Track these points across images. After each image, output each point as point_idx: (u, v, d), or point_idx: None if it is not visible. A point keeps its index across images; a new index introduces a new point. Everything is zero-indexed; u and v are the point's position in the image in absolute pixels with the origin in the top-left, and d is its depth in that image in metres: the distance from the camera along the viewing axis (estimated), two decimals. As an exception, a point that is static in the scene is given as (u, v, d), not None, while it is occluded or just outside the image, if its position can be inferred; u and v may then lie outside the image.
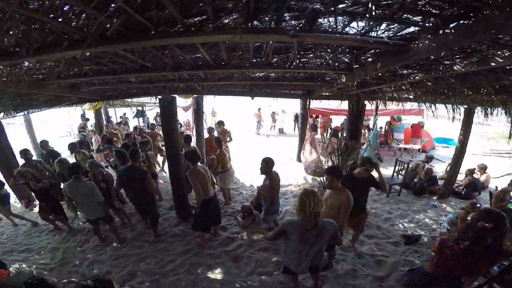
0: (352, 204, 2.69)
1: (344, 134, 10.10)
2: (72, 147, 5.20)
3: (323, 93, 4.35)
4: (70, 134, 12.22)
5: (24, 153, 4.64)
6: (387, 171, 6.69)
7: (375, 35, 1.64)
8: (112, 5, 1.24)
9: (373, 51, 2.10)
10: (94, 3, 1.14)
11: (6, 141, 5.18)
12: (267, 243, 3.82)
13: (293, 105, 12.18)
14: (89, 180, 3.74)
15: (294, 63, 2.40)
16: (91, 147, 6.84)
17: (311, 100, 7.39)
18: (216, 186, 4.51)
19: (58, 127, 13.77)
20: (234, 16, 1.40)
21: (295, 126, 13.29)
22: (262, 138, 12.87)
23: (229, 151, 5.42)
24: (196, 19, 1.48)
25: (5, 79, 2.35)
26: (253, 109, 14.13)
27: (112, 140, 5.96)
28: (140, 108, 11.24)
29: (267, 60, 2.48)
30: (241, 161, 7.86)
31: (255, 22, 1.41)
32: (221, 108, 15.86)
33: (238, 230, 4.27)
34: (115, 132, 7.65)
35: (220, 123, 6.67)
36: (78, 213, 4.26)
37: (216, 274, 3.32)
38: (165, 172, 7.08)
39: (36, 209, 4.65)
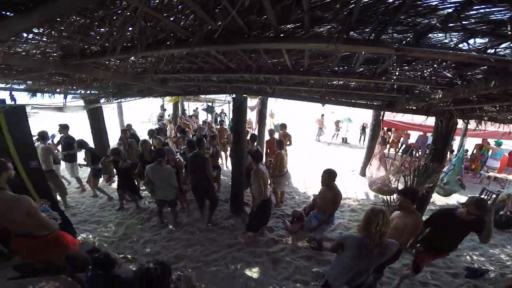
0: (419, 230, 2.55)
1: (419, 153, 8.97)
2: (151, 132, 5.88)
3: (408, 107, 3.92)
4: (149, 121, 14.08)
5: (124, 132, 5.42)
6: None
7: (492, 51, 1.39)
8: (219, 7, 1.30)
9: (485, 67, 1.77)
10: (203, 3, 1.21)
11: (103, 122, 6.19)
12: (311, 252, 3.76)
13: (361, 114, 11.30)
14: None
15: (385, 75, 2.24)
16: (167, 135, 7.73)
17: (385, 112, 6.87)
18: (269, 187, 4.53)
19: (140, 113, 15.99)
20: (329, 26, 1.39)
21: (361, 137, 12.35)
22: (323, 146, 12.34)
23: (287, 155, 5.40)
24: (289, 26, 1.49)
25: (113, 71, 2.84)
26: (314, 114, 13.69)
27: (185, 131, 6.60)
28: (210, 104, 12.17)
29: (351, 69, 2.37)
30: (297, 166, 7.75)
31: (351, 33, 1.37)
32: (279, 110, 15.71)
33: (284, 234, 4.25)
34: (187, 123, 8.48)
35: (283, 126, 6.64)
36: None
37: (253, 273, 3.37)
38: (227, 167, 7.49)
39: (115, 185, 5.19)
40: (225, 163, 7.67)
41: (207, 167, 3.97)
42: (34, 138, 3.92)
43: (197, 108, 12.64)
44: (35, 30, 1.48)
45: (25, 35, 1.51)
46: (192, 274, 1.78)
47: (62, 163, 5.54)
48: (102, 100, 5.59)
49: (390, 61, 1.89)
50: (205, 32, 1.49)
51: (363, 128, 12.00)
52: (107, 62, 2.60)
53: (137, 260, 3.30)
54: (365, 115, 11.83)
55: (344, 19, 1.25)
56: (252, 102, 9.93)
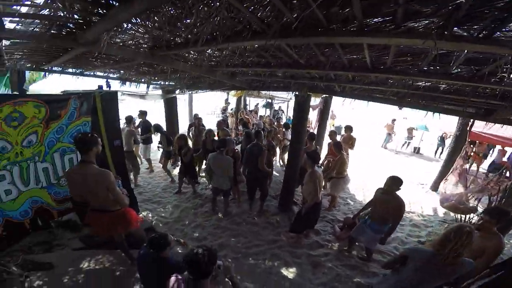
0: (499, 255, 2.30)
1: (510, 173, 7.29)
2: (219, 123, 6.21)
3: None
4: (213, 113, 14.98)
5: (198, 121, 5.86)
6: None
7: None
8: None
9: None
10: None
11: (176, 111, 6.81)
12: (357, 262, 3.54)
13: (440, 123, 9.76)
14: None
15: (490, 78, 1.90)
16: (228, 127, 8.10)
17: (474, 122, 5.82)
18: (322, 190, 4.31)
19: (206, 106, 17.13)
20: (427, 21, 1.26)
21: (438, 148, 10.71)
22: (389, 153, 11.12)
23: (349, 159, 5.07)
24: (376, 19, 1.37)
25: (191, 63, 3.02)
26: (383, 118, 12.39)
27: (247, 124, 6.79)
28: (269, 101, 12.29)
29: (445, 69, 2.01)
30: (358, 172, 7.18)
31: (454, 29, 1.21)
32: (341, 111, 14.69)
33: (331, 239, 4.07)
34: (247, 117, 8.72)
35: (348, 129, 6.21)
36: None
37: (289, 272, 3.27)
38: (279, 164, 7.43)
39: (177, 170, 5.60)
40: (278, 159, 7.62)
41: (261, 156, 4.04)
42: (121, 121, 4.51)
43: (257, 104, 12.91)
44: (133, 21, 1.63)
45: (125, 25, 1.69)
46: (232, 265, 1.81)
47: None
48: (177, 91, 6.15)
49: (502, 62, 1.62)
50: (280, 25, 1.46)
51: (442, 139, 10.36)
52: (186, 55, 2.79)
53: (187, 245, 3.46)
54: (445, 124, 10.23)
55: (449, 14, 1.13)
56: (314, 101, 9.60)
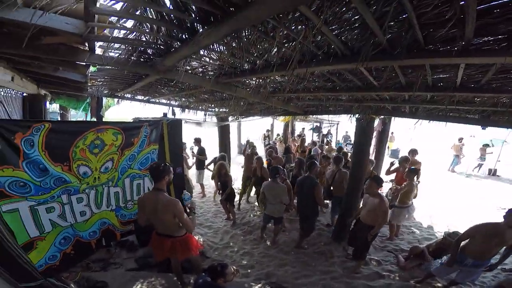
0: None
1: None
2: (270, 151, 6.16)
3: None
4: (259, 139, 15.07)
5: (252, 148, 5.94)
6: None
7: None
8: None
9: None
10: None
11: (229, 138, 6.96)
12: None
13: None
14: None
15: None
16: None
17: None
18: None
19: (252, 131, 17.49)
20: None
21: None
22: (459, 177, 9.62)
23: (417, 187, 4.47)
24: (486, 39, 1.25)
25: (249, 90, 3.02)
26: (446, 137, 10.88)
27: (290, 150, 6.56)
28: (318, 124, 11.92)
29: None
30: (423, 198, 6.26)
31: None
32: (398, 132, 13.43)
33: (393, 269, 3.72)
34: (294, 143, 8.49)
35: (414, 152, 5.54)
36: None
37: None
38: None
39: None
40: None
41: (317, 192, 3.73)
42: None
43: (303, 129, 12.63)
44: (210, 47, 1.64)
45: (201, 52, 1.72)
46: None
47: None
48: (230, 118, 6.35)
49: None
50: (371, 47, 1.35)
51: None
52: (248, 81, 2.80)
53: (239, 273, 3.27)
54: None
55: None
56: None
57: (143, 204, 2.38)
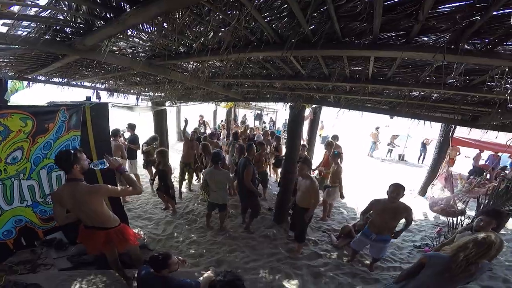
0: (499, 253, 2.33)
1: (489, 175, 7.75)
2: (210, 136, 6.14)
3: (493, 123, 3.39)
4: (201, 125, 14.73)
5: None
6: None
7: None
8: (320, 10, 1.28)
9: None
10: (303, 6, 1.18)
11: (166, 124, 6.63)
12: (357, 269, 3.60)
13: (423, 130, 10.21)
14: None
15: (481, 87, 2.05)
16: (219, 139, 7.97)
17: (455, 128, 6.22)
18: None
19: (194, 118, 16.89)
20: (437, 36, 1.33)
21: (421, 154, 11.16)
22: (375, 161, 11.46)
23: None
24: (389, 34, 1.42)
25: (187, 74, 2.94)
26: (367, 127, 12.76)
27: (238, 136, 6.69)
28: (259, 112, 12.34)
29: (440, 80, 2.13)
30: (347, 180, 7.25)
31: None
32: (328, 121, 15.09)
33: (328, 249, 4.10)
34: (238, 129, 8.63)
35: (335, 138, 6.38)
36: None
37: (292, 285, 3.24)
38: (270, 176, 7.30)
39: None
40: (269, 172, 7.52)
41: (246, 171, 3.97)
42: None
43: (245, 115, 12.91)
44: (140, 27, 1.54)
45: (129, 32, 1.60)
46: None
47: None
48: (167, 103, 5.99)
49: (495, 72, 1.72)
50: (297, 36, 1.45)
51: (424, 145, 10.85)
52: (185, 65, 2.71)
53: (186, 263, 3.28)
54: (427, 131, 10.67)
55: (462, 30, 1.19)
56: (306, 112, 9.73)
57: (60, 199, 2.11)
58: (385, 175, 8.98)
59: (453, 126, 6.16)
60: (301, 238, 3.82)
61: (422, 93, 2.89)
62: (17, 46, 1.77)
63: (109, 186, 2.19)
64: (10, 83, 3.89)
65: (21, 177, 2.51)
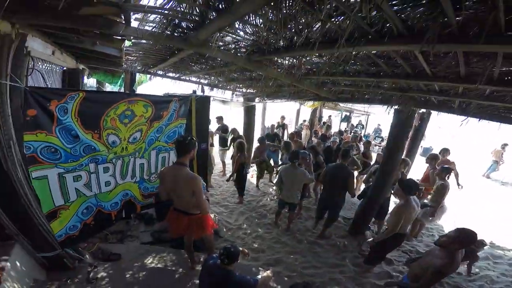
0: None
1: None
2: (292, 135, 6.01)
3: None
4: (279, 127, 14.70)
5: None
6: None
7: None
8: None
9: None
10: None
11: (254, 119, 6.84)
12: None
13: None
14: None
15: None
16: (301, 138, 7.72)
17: None
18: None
19: (274, 115, 17.15)
20: None
21: None
22: (493, 184, 8.96)
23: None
24: None
25: (282, 71, 2.84)
26: (487, 142, 9.88)
27: (326, 138, 6.30)
28: (347, 114, 11.36)
29: None
30: (450, 201, 5.87)
31: None
32: (431, 130, 12.47)
33: (403, 271, 3.49)
34: (320, 130, 8.17)
35: (445, 151, 5.26)
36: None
37: None
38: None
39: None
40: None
41: (350, 182, 3.65)
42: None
43: (330, 116, 12.11)
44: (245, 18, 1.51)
45: (236, 25, 1.59)
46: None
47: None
48: (256, 99, 6.20)
49: None
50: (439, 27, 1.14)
51: None
52: (281, 61, 2.62)
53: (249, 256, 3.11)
54: None
55: None
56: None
57: (164, 177, 2.35)
58: (503, 201, 7.09)
59: None
60: (374, 260, 3.41)
61: None
62: (145, 41, 2.04)
63: (201, 187, 2.29)
64: (137, 76, 4.76)
65: (136, 155, 2.94)
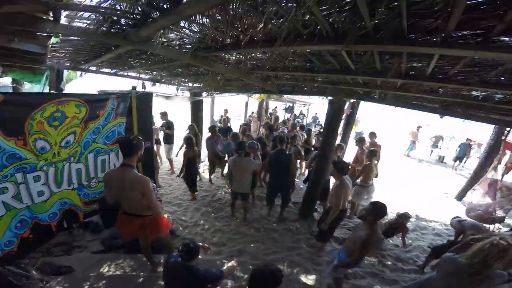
0: None
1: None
2: (244, 129, 6.13)
3: None
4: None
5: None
6: None
7: None
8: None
9: None
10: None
11: (202, 114, 6.78)
12: (376, 269, 3.53)
13: (468, 131, 9.35)
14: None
15: None
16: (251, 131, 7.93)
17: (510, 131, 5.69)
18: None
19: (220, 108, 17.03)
20: None
21: (463, 156, 10.23)
22: (412, 161, 10.77)
23: (377, 168, 4.80)
24: (464, 32, 1.32)
25: (228, 66, 2.92)
26: (405, 124, 11.88)
27: (273, 128, 6.61)
28: (290, 105, 12.08)
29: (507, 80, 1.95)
30: (380, 180, 6.91)
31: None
32: (365, 117, 14.23)
33: None
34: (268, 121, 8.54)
35: (372, 135, 6.01)
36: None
37: (309, 280, 3.18)
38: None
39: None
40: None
41: (291, 163, 3.98)
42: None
43: (275, 107, 12.72)
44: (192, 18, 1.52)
45: (182, 24, 1.59)
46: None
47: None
48: (204, 94, 6.11)
49: None
50: (358, 31, 1.38)
51: (469, 148, 9.91)
52: (227, 57, 2.68)
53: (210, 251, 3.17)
54: (472, 132, 9.73)
55: None
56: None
57: (110, 181, 2.23)
58: (421, 176, 8.55)
59: (507, 129, 5.56)
60: (323, 237, 3.75)
61: (484, 93, 2.63)
62: (76, 38, 1.85)
63: (151, 188, 2.23)
64: (65, 73, 4.19)
65: (71, 161, 2.67)
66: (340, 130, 7.49)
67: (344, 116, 7.49)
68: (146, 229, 2.39)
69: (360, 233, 2.43)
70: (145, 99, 3.34)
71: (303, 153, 5.87)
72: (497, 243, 1.80)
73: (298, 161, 5.88)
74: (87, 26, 1.63)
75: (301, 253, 3.70)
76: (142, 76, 4.59)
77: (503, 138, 5.90)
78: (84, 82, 4.83)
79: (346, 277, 3.22)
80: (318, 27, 1.51)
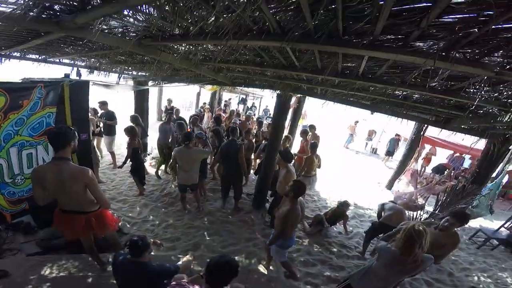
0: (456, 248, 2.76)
1: (452, 173, 8.50)
2: (195, 120, 5.98)
3: (463, 126, 3.68)
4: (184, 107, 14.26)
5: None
6: (492, 224, 5.96)
7: None
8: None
9: None
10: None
11: (147, 104, 6.41)
12: (326, 256, 3.79)
13: (396, 126, 10.84)
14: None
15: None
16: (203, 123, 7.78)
17: (427, 128, 6.60)
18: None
19: (177, 99, 16.23)
20: (433, 43, 1.39)
21: (393, 150, 11.86)
22: (350, 153, 12.03)
23: (320, 159, 5.24)
24: (388, 36, 1.48)
25: (177, 56, 2.83)
26: (345, 119, 13.19)
27: (221, 121, 6.59)
28: (243, 97, 12.20)
29: (423, 82, 2.28)
30: (322, 170, 7.63)
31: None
32: (311, 111, 15.37)
33: (301, 235, 4.23)
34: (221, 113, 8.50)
35: (312, 128, 6.57)
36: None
37: (267, 269, 3.35)
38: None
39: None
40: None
41: (241, 153, 4.07)
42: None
43: (229, 99, 12.70)
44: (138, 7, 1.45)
45: (125, 12, 1.50)
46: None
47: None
48: (150, 83, 5.73)
49: (475, 80, 1.86)
50: (300, 30, 1.48)
51: (397, 142, 11.51)
52: (176, 47, 2.60)
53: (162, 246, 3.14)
54: (400, 127, 11.36)
55: (457, 39, 1.26)
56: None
57: (42, 177, 1.96)
58: (358, 166, 9.54)
59: (426, 125, 6.55)
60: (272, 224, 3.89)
61: (405, 93, 3.06)
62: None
63: (94, 178, 2.07)
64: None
65: None
66: (287, 123, 7.99)
67: (291, 110, 8.00)
68: (92, 226, 2.21)
69: (283, 208, 2.70)
70: (80, 88, 3.06)
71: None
72: (418, 231, 1.94)
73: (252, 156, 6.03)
74: (13, 11, 1.41)
75: (257, 243, 3.83)
76: (78, 63, 4.08)
77: (421, 133, 6.87)
78: (5, 70, 4.04)
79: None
80: (267, 24, 1.56)
